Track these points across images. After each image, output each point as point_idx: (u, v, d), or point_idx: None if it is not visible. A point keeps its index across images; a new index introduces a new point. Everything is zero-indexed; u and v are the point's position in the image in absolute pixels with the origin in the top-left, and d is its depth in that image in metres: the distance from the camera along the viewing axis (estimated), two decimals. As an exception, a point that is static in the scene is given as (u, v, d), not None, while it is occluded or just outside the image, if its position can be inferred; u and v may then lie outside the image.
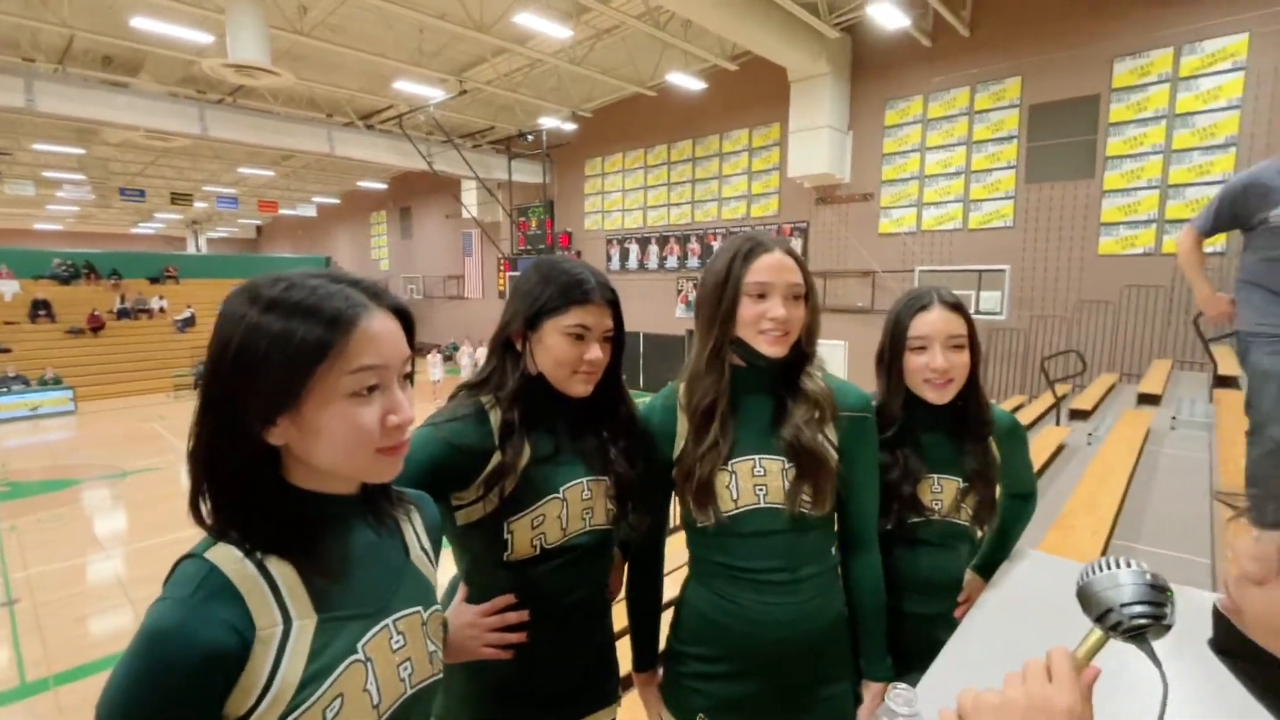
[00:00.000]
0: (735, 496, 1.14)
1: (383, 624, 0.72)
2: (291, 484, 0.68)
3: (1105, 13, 8.40)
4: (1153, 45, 8.12)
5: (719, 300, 1.13)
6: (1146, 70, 8.20)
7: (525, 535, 1.08)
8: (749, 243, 1.13)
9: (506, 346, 1.12)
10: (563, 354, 1.07)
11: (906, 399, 1.31)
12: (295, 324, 0.63)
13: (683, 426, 1.18)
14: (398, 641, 0.73)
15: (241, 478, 0.64)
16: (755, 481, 1.14)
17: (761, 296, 1.11)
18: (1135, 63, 8.26)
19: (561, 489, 1.11)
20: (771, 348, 1.11)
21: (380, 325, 0.67)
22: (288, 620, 0.63)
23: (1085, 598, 0.58)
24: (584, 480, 1.13)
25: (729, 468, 1.14)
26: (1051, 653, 0.56)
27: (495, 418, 1.08)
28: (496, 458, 1.05)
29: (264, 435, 0.64)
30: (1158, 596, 0.56)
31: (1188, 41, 7.88)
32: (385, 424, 0.67)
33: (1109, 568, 0.58)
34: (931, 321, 1.26)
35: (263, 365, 0.62)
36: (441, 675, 0.81)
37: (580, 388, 1.10)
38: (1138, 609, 0.55)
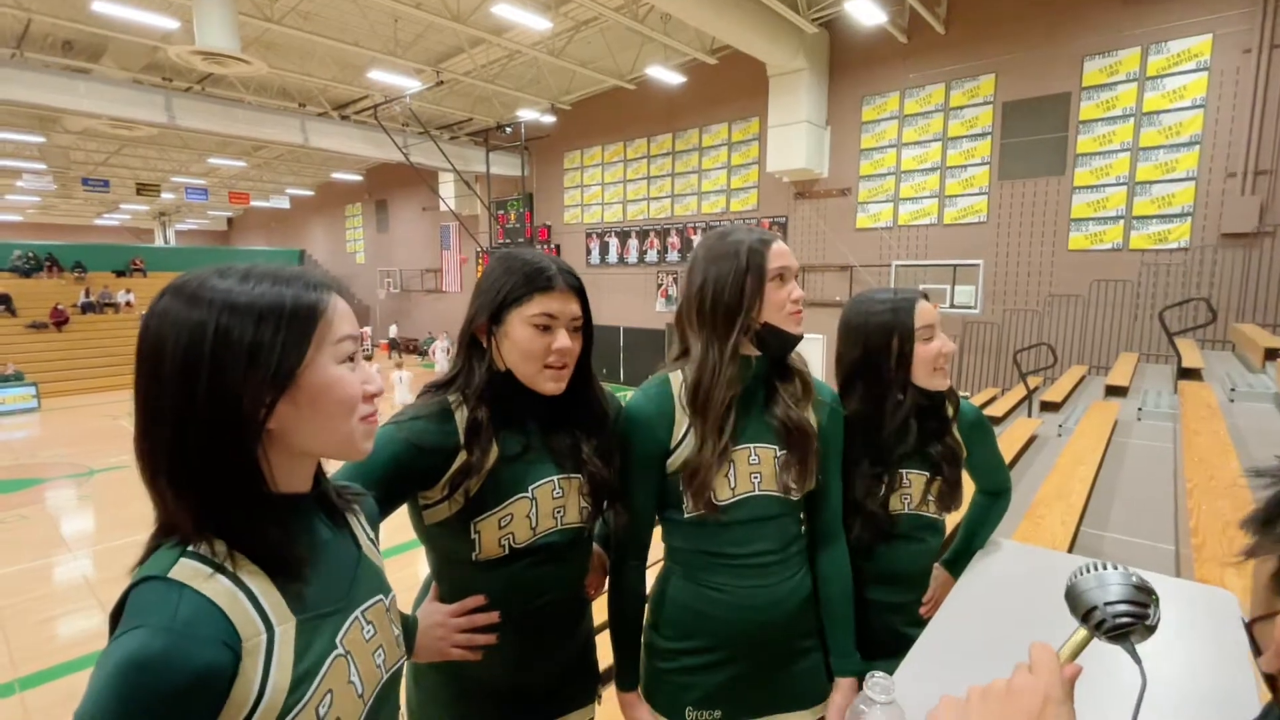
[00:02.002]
0: (733, 485, 1.15)
1: (353, 616, 0.73)
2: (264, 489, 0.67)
3: (1076, 12, 8.55)
4: (1121, 45, 8.29)
5: (742, 289, 1.13)
6: (1115, 69, 8.37)
7: (493, 535, 1.06)
8: (753, 233, 1.17)
9: (473, 343, 1.09)
10: (529, 345, 1.03)
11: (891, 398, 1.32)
12: (282, 289, 0.64)
13: (681, 420, 1.17)
14: (369, 631, 0.75)
15: (232, 482, 0.63)
16: (751, 469, 1.16)
17: (782, 279, 1.15)
18: (1104, 62, 8.43)
19: (530, 488, 1.08)
20: (799, 327, 1.16)
21: (341, 302, 0.70)
22: (270, 628, 0.62)
23: (1072, 597, 0.59)
24: (555, 478, 1.10)
25: (728, 456, 1.16)
26: (1033, 646, 0.57)
27: (461, 416, 1.05)
28: (461, 457, 1.03)
29: (266, 422, 0.63)
30: (1142, 598, 0.56)
31: (1154, 42, 8.06)
32: (364, 392, 0.70)
33: (1097, 569, 0.59)
34: (928, 311, 1.31)
35: (257, 345, 0.61)
36: (406, 655, 0.83)
37: (550, 385, 1.06)
38: (1122, 608, 0.56)
